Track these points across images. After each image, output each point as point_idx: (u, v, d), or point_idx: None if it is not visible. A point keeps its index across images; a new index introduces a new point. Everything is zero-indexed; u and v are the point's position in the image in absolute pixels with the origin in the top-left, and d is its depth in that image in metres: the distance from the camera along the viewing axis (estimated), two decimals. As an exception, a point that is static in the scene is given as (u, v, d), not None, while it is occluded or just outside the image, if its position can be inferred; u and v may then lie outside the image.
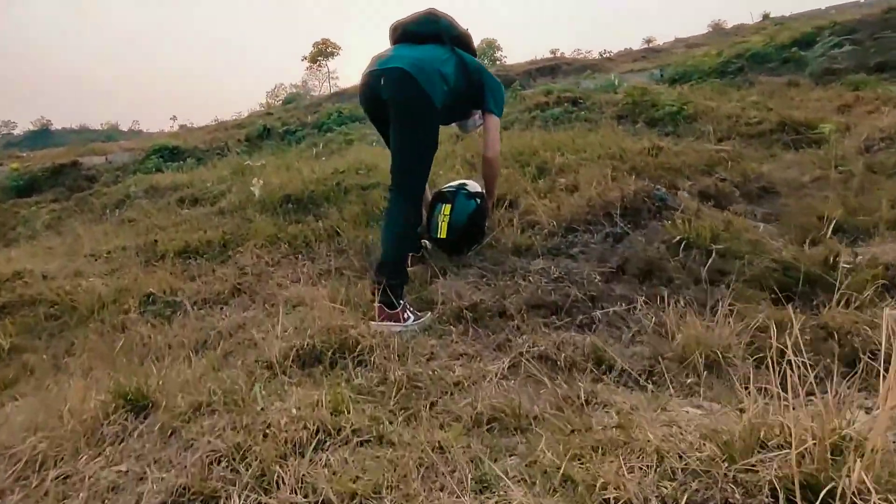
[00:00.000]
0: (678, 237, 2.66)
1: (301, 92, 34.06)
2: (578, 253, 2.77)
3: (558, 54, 24.62)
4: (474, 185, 2.90)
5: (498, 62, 33.05)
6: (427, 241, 2.89)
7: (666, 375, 1.69)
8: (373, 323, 2.09)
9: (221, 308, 2.87)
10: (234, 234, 3.97)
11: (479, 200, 2.79)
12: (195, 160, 9.74)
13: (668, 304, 2.09)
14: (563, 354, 1.86)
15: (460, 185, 2.88)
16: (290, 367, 1.84)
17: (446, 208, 2.72)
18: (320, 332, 1.96)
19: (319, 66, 31.60)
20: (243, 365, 1.93)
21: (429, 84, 2.25)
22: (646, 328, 2.07)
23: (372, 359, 1.85)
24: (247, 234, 3.92)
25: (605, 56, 22.23)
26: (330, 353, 1.89)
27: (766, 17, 19.82)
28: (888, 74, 7.15)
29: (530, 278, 2.48)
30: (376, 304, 2.14)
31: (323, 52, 31.47)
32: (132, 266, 3.74)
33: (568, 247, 2.84)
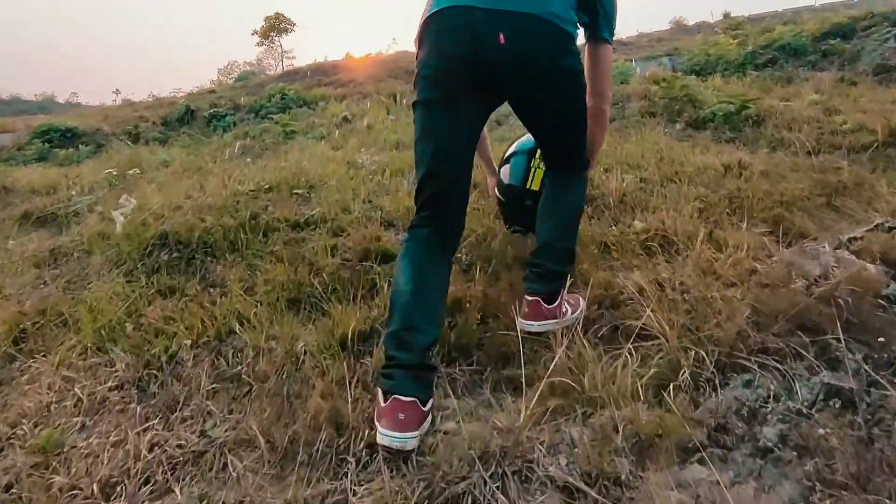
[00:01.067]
0: None
1: (256, 70, 31.29)
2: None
3: None
4: None
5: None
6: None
7: None
8: (526, 324, 1.58)
9: None
10: (43, 313, 2.13)
11: None
12: (93, 147, 7.58)
13: None
14: None
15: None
16: None
17: (537, 159, 2.18)
18: None
19: (272, 42, 28.96)
20: None
21: (571, 31, 1.39)
22: None
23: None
24: (61, 320, 2.08)
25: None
26: None
27: (726, 16, 18.87)
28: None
29: None
30: (529, 299, 1.59)
31: (275, 27, 28.82)
32: None
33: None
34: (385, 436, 1.16)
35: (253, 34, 28.50)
